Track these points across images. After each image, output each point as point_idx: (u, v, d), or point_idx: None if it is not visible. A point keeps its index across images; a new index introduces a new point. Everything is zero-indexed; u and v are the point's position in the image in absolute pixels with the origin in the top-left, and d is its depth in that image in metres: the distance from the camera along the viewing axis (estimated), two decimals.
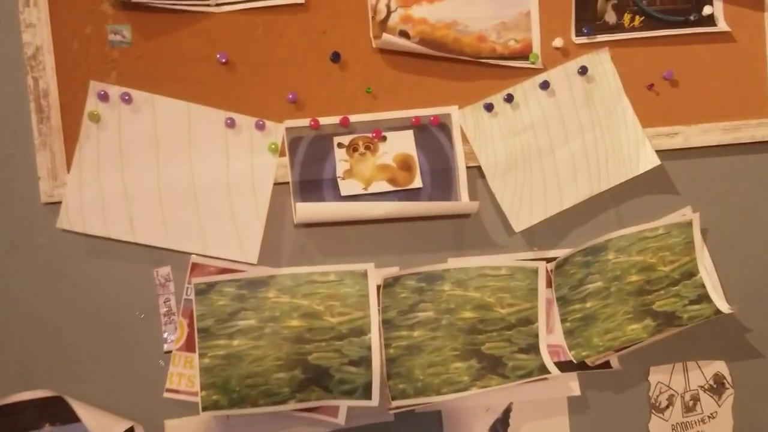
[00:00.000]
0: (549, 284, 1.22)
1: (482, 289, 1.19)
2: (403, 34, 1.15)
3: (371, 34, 1.14)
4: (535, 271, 1.20)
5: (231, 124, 1.10)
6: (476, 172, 1.18)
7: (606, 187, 1.20)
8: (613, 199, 1.23)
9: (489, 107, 1.17)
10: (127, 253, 1.10)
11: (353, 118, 1.14)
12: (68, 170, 1.07)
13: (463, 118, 1.17)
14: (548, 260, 1.21)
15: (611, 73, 1.20)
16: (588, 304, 1.22)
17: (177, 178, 1.09)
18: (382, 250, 1.17)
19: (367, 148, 1.14)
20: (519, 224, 1.17)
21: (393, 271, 1.17)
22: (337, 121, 1.13)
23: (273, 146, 1.11)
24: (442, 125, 1.16)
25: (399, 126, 1.15)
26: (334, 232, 1.16)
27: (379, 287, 1.15)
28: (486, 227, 1.20)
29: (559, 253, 1.22)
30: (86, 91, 1.07)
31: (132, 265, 1.11)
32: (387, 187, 1.14)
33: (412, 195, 1.15)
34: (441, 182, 1.16)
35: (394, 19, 1.14)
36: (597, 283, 1.22)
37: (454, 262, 1.19)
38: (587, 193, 1.19)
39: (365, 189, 1.13)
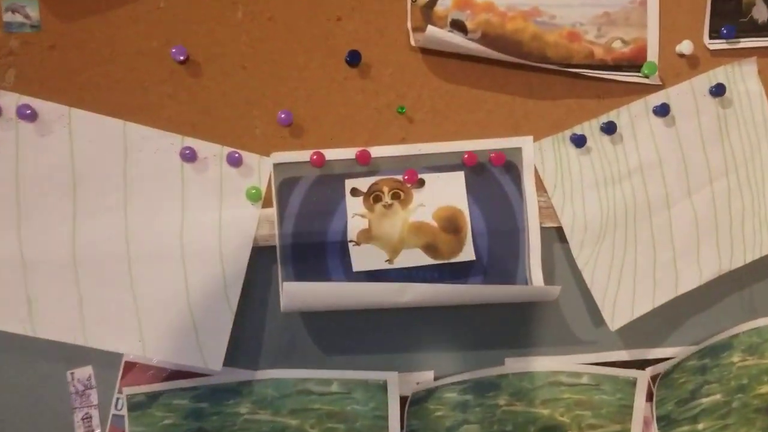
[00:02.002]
0: (648, 397, 0.84)
1: (553, 403, 0.82)
2: (458, 26, 0.76)
3: (409, 25, 0.75)
4: (632, 383, 0.82)
5: (190, 156, 0.71)
6: (555, 235, 0.80)
7: (741, 263, 0.82)
8: (744, 278, 0.84)
9: (579, 140, 0.78)
10: (28, 344, 0.73)
11: (376, 151, 0.75)
12: None
13: (539, 155, 0.78)
14: (649, 363, 0.84)
15: (758, 95, 0.82)
16: (700, 426, 0.86)
17: (103, 238, 0.71)
18: (409, 348, 0.80)
19: (395, 197, 0.75)
20: (615, 318, 0.79)
21: (425, 379, 0.79)
22: (353, 156, 0.75)
23: (253, 191, 0.72)
24: (509, 166, 0.78)
25: (444, 165, 0.77)
26: (341, 323, 0.78)
27: (404, 403, 0.78)
28: (563, 315, 0.82)
29: (665, 352, 0.84)
30: None
31: (35, 364, 0.74)
32: (422, 258, 0.76)
33: (460, 272, 0.77)
34: (503, 251, 0.78)
35: (444, 4, 0.75)
36: (715, 395, 0.86)
37: (514, 364, 0.82)
38: (713, 271, 0.81)
39: (390, 261, 0.75)
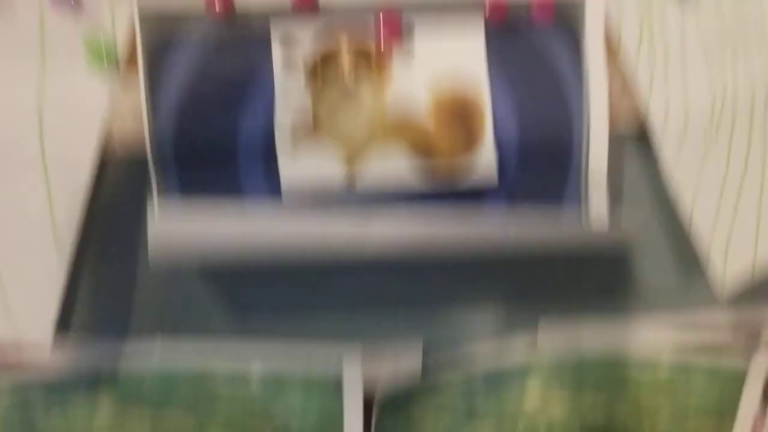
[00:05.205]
0: (765, 394, 0.54)
1: (615, 398, 0.52)
2: None
3: None
4: (739, 377, 0.52)
5: None
6: (632, 136, 0.48)
7: None
8: None
9: None
10: None
11: None
12: None
13: (616, 5, 0.45)
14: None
15: None
16: None
17: None
18: (378, 301, 0.49)
19: (361, 64, 0.42)
20: (729, 270, 0.48)
21: (409, 361, 0.49)
22: None
23: (97, 50, 0.40)
24: (563, 23, 0.44)
25: (449, 3, 0.43)
26: (263, 277, 0.47)
27: (370, 408, 0.48)
28: (635, 260, 0.51)
29: None
30: None
31: None
32: (406, 163, 0.43)
33: (469, 198, 0.45)
34: (544, 165, 0.46)
35: None
36: None
37: (552, 334, 0.51)
38: None
39: (349, 173, 0.43)
